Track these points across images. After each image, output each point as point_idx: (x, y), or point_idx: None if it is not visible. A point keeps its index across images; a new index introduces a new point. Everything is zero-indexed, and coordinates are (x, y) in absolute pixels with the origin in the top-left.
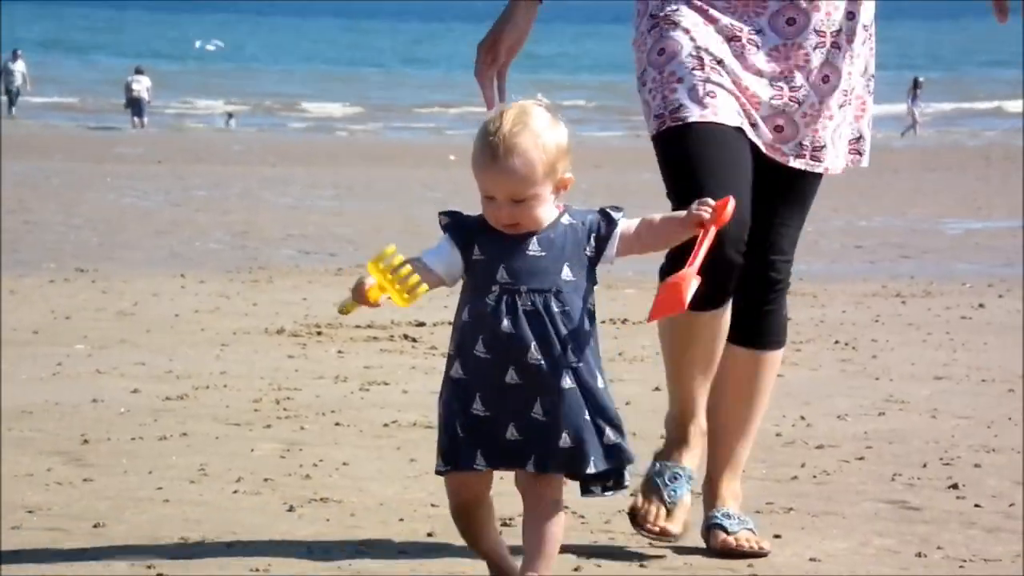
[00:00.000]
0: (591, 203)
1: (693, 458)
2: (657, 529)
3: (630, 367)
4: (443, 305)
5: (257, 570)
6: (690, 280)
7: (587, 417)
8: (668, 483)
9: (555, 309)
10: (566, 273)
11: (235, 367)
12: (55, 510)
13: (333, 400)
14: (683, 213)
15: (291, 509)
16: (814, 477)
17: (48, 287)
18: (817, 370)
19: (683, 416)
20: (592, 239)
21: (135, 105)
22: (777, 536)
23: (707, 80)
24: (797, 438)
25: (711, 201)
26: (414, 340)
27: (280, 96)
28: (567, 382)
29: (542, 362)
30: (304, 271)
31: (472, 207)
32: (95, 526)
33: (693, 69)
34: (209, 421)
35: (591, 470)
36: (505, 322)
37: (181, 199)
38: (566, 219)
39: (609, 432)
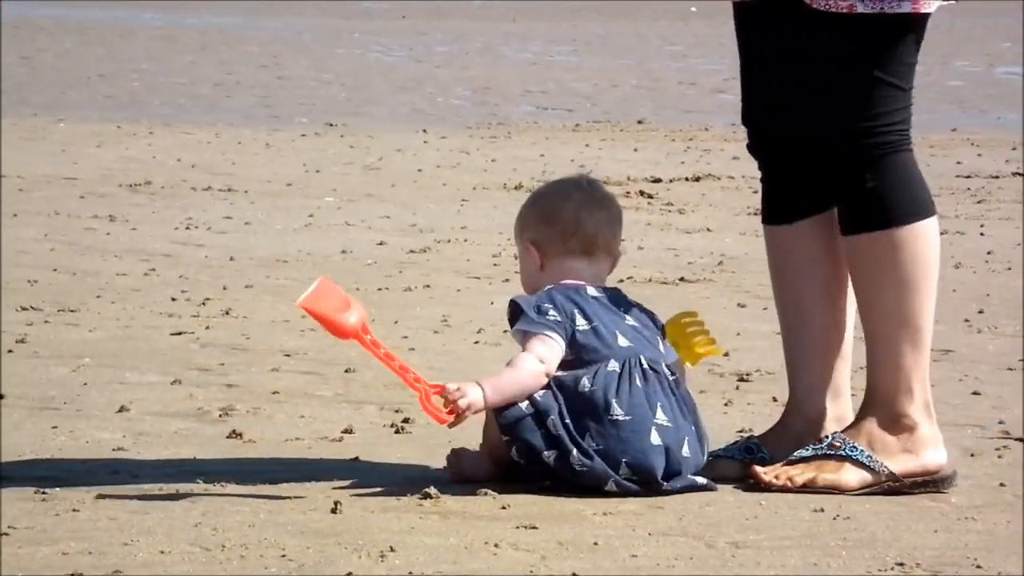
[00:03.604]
0: None
1: None
2: None
3: None
4: (680, 161)
5: None
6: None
7: None
8: None
9: None
10: None
11: (475, 222)
12: (310, 355)
13: None
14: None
15: None
16: None
17: (300, 141)
18: None
19: None
20: None
21: None
22: None
23: None
24: None
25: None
26: (650, 196)
27: None
28: None
29: None
30: (542, 127)
31: (713, 64)
32: (346, 371)
33: None
34: (451, 274)
35: None
36: None
37: (423, 55)
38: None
39: None
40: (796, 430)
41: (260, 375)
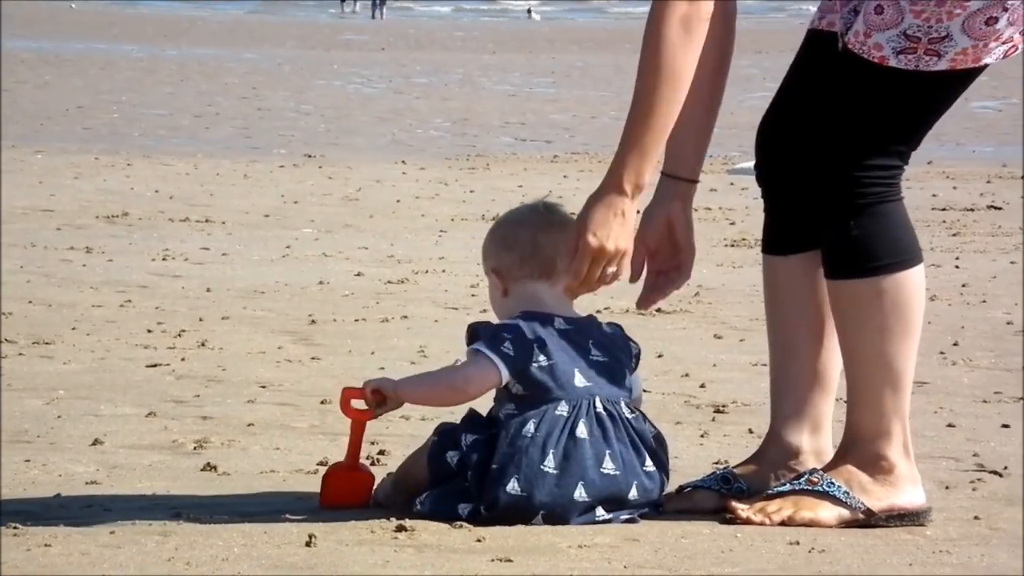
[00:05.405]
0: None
1: None
2: None
3: None
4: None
5: None
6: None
7: None
8: None
9: None
10: None
11: (453, 253)
12: (286, 386)
13: None
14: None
15: None
16: None
17: (278, 172)
18: None
19: None
20: None
21: None
22: (1005, 426)
23: None
24: None
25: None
26: None
27: None
28: None
29: None
30: (520, 158)
31: None
32: (322, 402)
33: None
34: (428, 305)
35: None
36: None
37: (403, 86)
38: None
39: None
40: (773, 460)
41: (235, 407)
